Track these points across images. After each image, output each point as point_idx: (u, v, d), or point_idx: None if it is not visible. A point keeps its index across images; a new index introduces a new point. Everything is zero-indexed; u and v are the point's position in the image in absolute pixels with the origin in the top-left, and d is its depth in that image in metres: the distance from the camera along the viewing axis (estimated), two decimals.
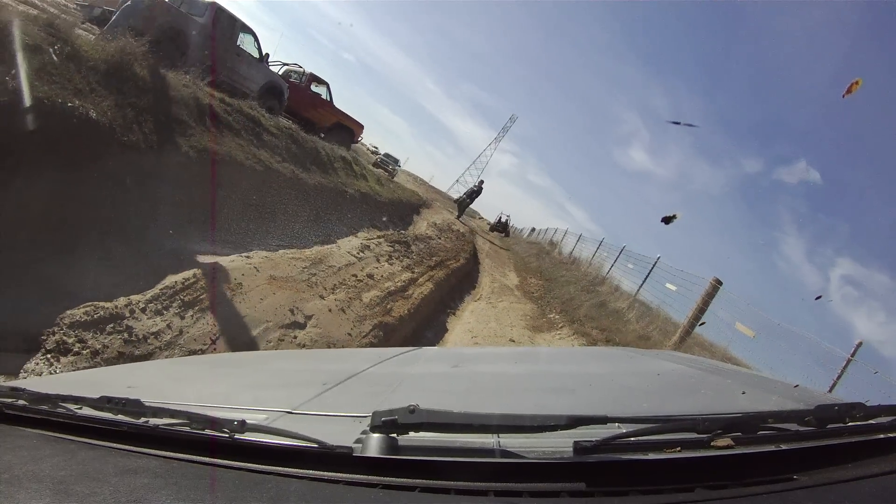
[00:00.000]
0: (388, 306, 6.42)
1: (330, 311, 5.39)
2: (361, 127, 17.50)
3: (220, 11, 10.81)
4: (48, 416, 1.10)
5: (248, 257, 5.59)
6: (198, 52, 9.69)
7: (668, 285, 10.37)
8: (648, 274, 11.59)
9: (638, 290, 11.90)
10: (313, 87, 15.66)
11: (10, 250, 3.95)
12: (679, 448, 0.95)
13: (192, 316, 4.17)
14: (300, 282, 5.57)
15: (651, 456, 0.92)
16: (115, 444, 1.02)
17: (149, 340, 3.79)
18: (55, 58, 5.07)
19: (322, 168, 9.88)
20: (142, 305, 4.01)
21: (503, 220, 36.93)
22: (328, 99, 15.96)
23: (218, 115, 7.33)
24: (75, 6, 10.78)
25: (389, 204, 12.67)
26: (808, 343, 6.75)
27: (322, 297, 5.56)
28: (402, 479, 0.88)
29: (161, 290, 4.28)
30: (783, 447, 0.99)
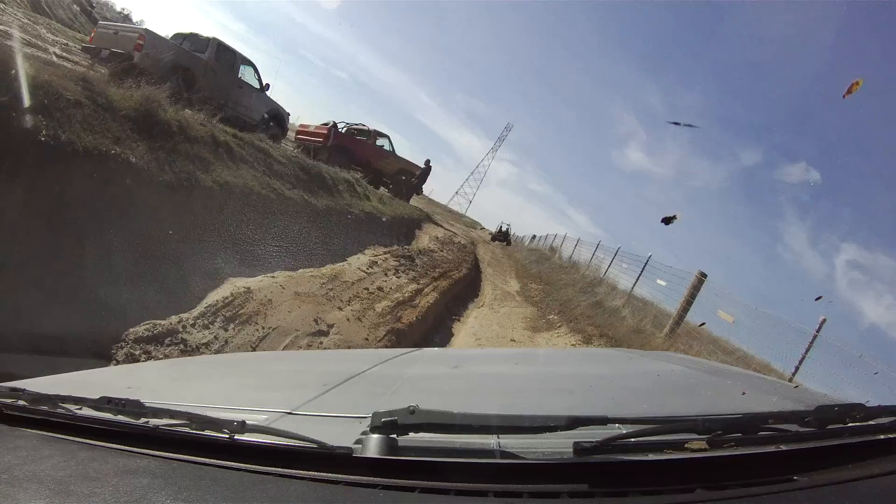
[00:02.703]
0: (399, 314, 7.03)
1: (348, 320, 6.01)
2: (421, 169, 19.61)
3: (220, 47, 11.48)
4: (48, 417, 1.11)
5: (273, 277, 6.21)
6: (203, 86, 10.27)
7: (658, 281, 11.00)
8: (641, 272, 12.05)
9: (632, 288, 12.35)
10: (378, 142, 17.66)
11: (77, 280, 4.62)
12: (679, 449, 0.96)
13: (234, 328, 4.81)
14: (320, 296, 6.22)
15: (651, 457, 0.94)
16: (115, 445, 1.04)
17: (201, 350, 4.37)
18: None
19: (328, 191, 10.50)
20: (191, 321, 4.65)
21: (504, 229, 37.10)
22: (391, 150, 18.15)
23: (233, 149, 8.02)
24: (81, 48, 11.12)
25: (393, 221, 13.19)
26: (784, 323, 7.48)
27: (340, 309, 6.19)
28: (401, 480, 0.89)
29: (205, 307, 4.95)
30: (783, 448, 1.00)
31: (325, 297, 6.27)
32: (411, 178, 19.16)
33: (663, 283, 10.75)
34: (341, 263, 8.15)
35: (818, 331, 6.92)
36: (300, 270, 6.87)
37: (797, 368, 6.97)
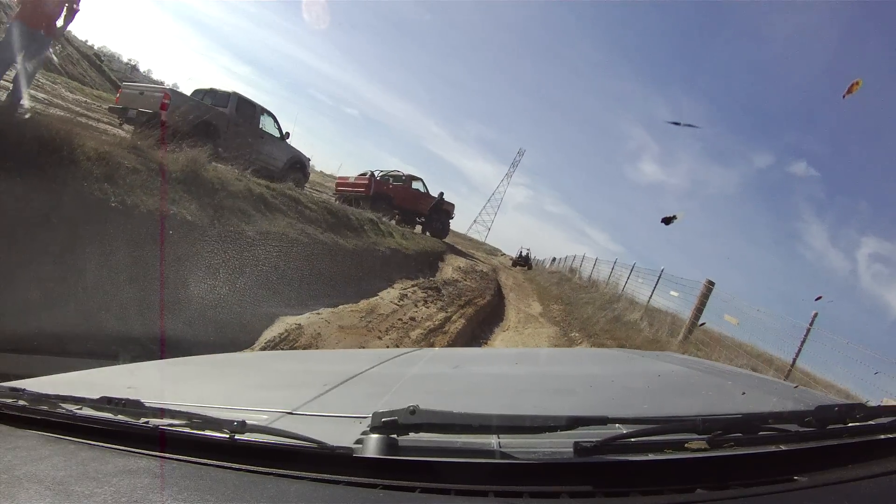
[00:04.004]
0: (431, 341, 7.61)
1: (388, 347, 6.53)
2: (453, 206, 21.21)
3: (241, 100, 11.99)
4: (48, 417, 1.12)
5: (318, 314, 6.85)
6: (228, 139, 10.85)
7: (672, 293, 11.58)
8: (655, 285, 12.80)
9: (648, 301, 12.98)
10: (413, 185, 19.23)
11: (153, 324, 5.27)
12: (679, 449, 0.97)
13: None
14: (361, 328, 6.88)
15: (651, 457, 0.94)
16: (115, 445, 1.04)
17: None
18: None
19: (354, 232, 11.18)
20: None
21: (524, 254, 37.30)
22: (425, 191, 19.74)
23: (268, 199, 8.74)
24: (108, 108, 11.80)
25: (416, 255, 13.85)
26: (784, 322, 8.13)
27: (380, 338, 6.82)
28: (402, 480, 0.90)
29: (265, 342, 5.56)
30: (783, 448, 1.01)
31: (365, 328, 6.92)
32: (446, 214, 20.78)
33: (676, 293, 11.35)
34: (375, 298, 8.83)
35: (811, 324, 7.59)
36: (340, 306, 7.57)
37: (794, 360, 7.68)
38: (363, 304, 8.14)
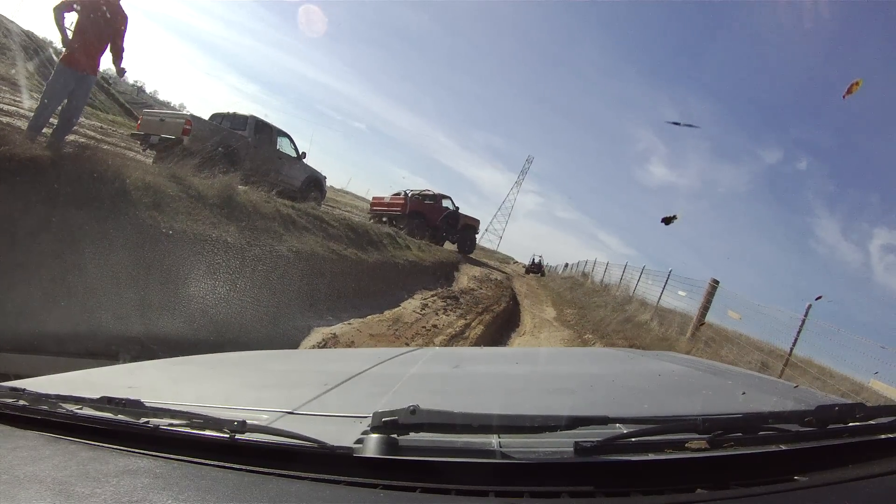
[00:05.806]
0: (454, 346, 8.13)
1: None
2: (478, 221, 22.40)
3: (258, 123, 12.34)
4: (48, 417, 1.12)
5: (349, 324, 7.30)
6: (247, 161, 11.18)
7: (679, 292, 12.08)
8: (664, 286, 13.27)
9: (657, 301, 13.42)
10: (443, 203, 20.24)
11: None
12: (680, 448, 0.97)
13: None
14: (389, 335, 7.36)
15: (651, 456, 0.95)
16: (115, 445, 1.05)
17: None
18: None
19: (375, 246, 11.63)
20: None
21: (537, 261, 37.71)
22: (454, 208, 20.68)
23: (295, 219, 9.30)
24: (129, 135, 12.28)
25: (433, 266, 14.31)
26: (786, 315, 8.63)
27: (407, 345, 7.19)
28: (402, 480, 0.90)
29: None
30: (784, 448, 1.01)
31: (393, 335, 7.42)
32: (473, 230, 21.77)
33: (683, 293, 11.85)
34: (398, 308, 9.30)
35: (805, 315, 8.11)
36: (368, 317, 8.06)
37: (791, 349, 8.20)
38: (388, 314, 8.61)
